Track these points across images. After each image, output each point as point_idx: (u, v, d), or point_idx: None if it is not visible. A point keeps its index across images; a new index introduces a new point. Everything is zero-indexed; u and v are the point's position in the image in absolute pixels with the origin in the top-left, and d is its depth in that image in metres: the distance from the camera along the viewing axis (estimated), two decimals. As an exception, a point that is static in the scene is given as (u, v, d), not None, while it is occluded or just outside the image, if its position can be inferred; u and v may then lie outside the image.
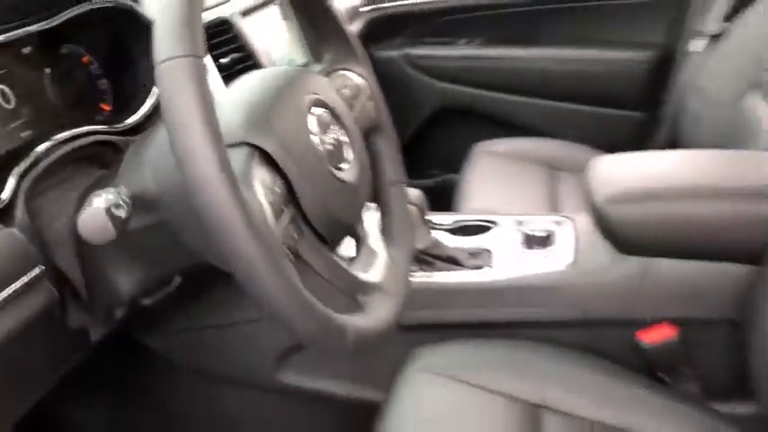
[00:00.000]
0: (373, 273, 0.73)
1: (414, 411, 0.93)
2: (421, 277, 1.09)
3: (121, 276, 0.72)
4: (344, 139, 0.70)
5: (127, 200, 0.64)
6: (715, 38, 1.60)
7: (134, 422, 1.24)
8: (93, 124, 0.78)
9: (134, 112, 0.83)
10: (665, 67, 1.78)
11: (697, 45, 1.65)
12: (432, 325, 1.08)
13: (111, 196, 0.63)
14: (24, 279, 0.63)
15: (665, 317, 1.03)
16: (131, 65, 0.85)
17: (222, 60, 1.12)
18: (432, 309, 1.09)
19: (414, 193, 1.03)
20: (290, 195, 0.62)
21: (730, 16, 1.58)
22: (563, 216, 1.19)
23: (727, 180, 1.03)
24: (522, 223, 1.17)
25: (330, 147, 0.67)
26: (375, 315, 0.68)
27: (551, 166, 1.65)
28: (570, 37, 1.88)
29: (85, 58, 0.84)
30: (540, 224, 1.15)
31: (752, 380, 0.95)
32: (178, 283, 0.85)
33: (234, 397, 1.20)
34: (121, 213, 0.63)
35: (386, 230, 0.82)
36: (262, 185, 0.58)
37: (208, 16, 1.04)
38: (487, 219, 1.22)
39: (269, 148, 0.60)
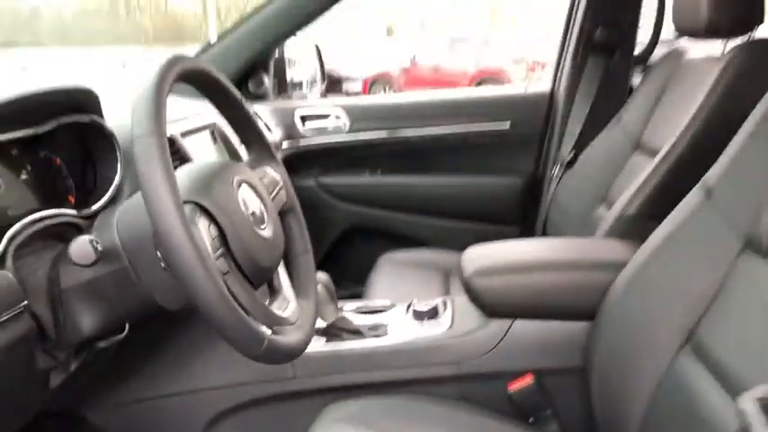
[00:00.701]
0: (287, 312, 0.95)
1: None
2: (331, 346, 1.30)
3: (85, 317, 0.90)
4: (264, 210, 0.95)
5: (98, 245, 0.85)
6: (569, 164, 1.97)
7: None
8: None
9: (95, 202, 1.05)
10: (534, 188, 2.14)
11: (556, 170, 2.02)
12: (341, 387, 1.27)
13: (90, 236, 0.85)
14: (13, 311, 0.82)
15: (527, 368, 1.27)
16: (94, 166, 1.09)
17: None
18: (340, 373, 1.29)
19: (322, 277, 1.27)
20: (223, 240, 0.84)
21: (578, 146, 1.97)
22: (447, 298, 1.44)
23: (568, 256, 1.33)
24: (413, 303, 1.41)
25: (253, 212, 0.91)
26: (287, 337, 0.89)
27: (444, 273, 1.92)
28: (456, 166, 2.21)
29: (57, 160, 1.06)
30: (427, 303, 1.39)
31: (596, 417, 1.19)
32: (126, 331, 1.03)
33: None
34: (97, 247, 0.84)
35: (296, 287, 1.04)
36: (203, 229, 0.81)
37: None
38: (385, 304, 1.46)
39: (208, 205, 0.84)
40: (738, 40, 1.44)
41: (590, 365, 1.20)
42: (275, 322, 0.90)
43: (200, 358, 1.29)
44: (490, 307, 1.28)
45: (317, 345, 1.31)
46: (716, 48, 1.54)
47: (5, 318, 0.80)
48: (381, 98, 4.77)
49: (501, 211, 2.14)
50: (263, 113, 2.04)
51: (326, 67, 2.40)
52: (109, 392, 1.28)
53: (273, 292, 0.99)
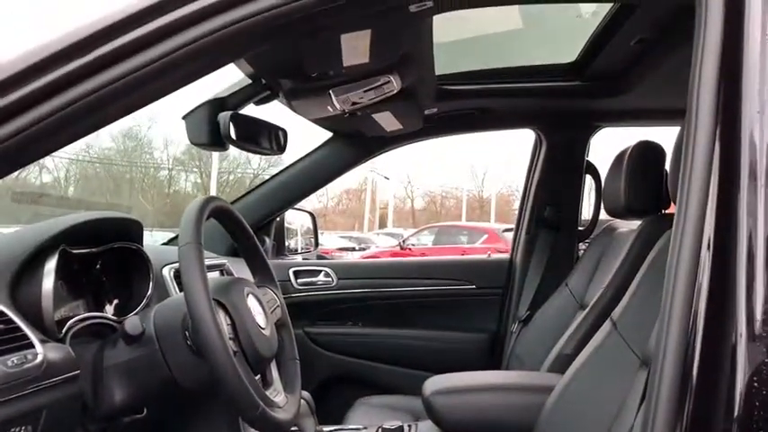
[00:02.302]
0: (277, 399, 1.19)
1: None
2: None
3: (118, 392, 1.14)
4: (264, 316, 1.23)
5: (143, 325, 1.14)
6: (525, 321, 2.26)
7: None
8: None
9: (131, 311, 1.33)
10: (496, 342, 2.41)
11: (515, 327, 2.30)
12: None
13: (137, 320, 1.13)
14: (70, 374, 1.06)
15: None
16: (132, 282, 1.38)
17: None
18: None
19: (305, 394, 1.52)
20: (234, 330, 1.12)
21: (533, 306, 2.28)
22: (412, 423, 1.66)
23: (511, 381, 1.59)
24: (383, 425, 1.63)
25: (256, 315, 1.20)
26: (276, 414, 1.13)
27: (414, 416, 2.12)
28: (429, 321, 2.48)
29: (104, 278, 1.36)
30: (393, 424, 1.61)
31: None
32: (144, 413, 1.25)
33: None
34: (143, 325, 1.12)
35: (284, 384, 1.29)
36: (221, 319, 1.09)
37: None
38: (359, 426, 1.68)
39: (225, 303, 1.13)
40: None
41: None
42: (267, 402, 1.15)
43: None
44: (447, 423, 1.51)
45: (297, 454, 1.52)
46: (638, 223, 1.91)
47: (64, 377, 1.05)
48: (365, 261, 5.15)
49: (468, 363, 2.35)
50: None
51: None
52: None
53: (266, 383, 1.24)
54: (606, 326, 1.38)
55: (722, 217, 0.71)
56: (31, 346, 1.00)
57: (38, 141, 0.87)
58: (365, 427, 1.66)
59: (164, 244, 2.23)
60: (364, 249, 15.90)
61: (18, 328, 1.00)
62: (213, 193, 23.94)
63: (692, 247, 0.72)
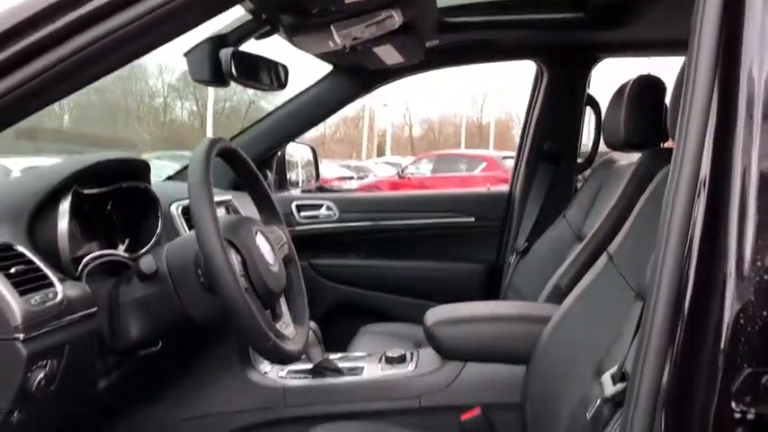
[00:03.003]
0: (286, 331, 1.25)
1: None
2: (316, 381, 1.58)
3: (134, 327, 1.20)
4: (272, 253, 1.27)
5: (157, 263, 1.18)
6: (523, 252, 2.31)
7: None
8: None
9: (141, 248, 1.37)
10: (494, 274, 2.47)
11: (513, 258, 2.36)
12: (324, 415, 1.54)
13: (151, 258, 1.18)
14: (88, 311, 1.11)
15: (476, 402, 1.55)
16: (141, 221, 1.42)
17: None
18: (324, 404, 1.56)
19: (312, 324, 1.57)
20: (244, 267, 1.16)
21: (531, 238, 2.32)
22: (414, 350, 1.74)
23: (509, 312, 1.65)
24: (385, 352, 1.70)
25: (265, 252, 1.24)
26: (286, 345, 1.18)
27: (415, 343, 2.20)
28: (429, 253, 2.54)
29: (115, 218, 1.39)
30: (397, 351, 1.68)
31: None
32: (160, 345, 1.31)
33: None
34: (155, 267, 1.16)
35: (293, 317, 1.35)
36: (232, 256, 1.13)
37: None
38: (362, 354, 1.75)
39: (236, 241, 1.16)
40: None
41: (525, 401, 1.48)
42: (278, 334, 1.20)
43: (209, 388, 1.57)
44: (447, 351, 1.58)
45: (306, 380, 1.60)
46: (637, 156, 1.93)
47: (83, 314, 1.10)
48: (367, 194, 5.21)
49: (467, 293, 2.42)
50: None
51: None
52: (132, 412, 1.54)
53: (276, 316, 1.29)
54: (602, 259, 1.42)
55: (718, 155, 0.73)
56: (51, 285, 1.04)
57: (34, 95, 0.88)
58: (369, 354, 1.73)
59: (168, 178, 2.25)
60: (363, 178, 15.92)
61: (38, 269, 1.04)
62: (210, 120, 23.74)
63: (689, 185, 0.73)
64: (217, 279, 1.05)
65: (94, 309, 1.14)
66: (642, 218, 1.38)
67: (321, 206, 2.55)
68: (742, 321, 0.69)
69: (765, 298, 0.67)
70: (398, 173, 14.54)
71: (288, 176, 2.63)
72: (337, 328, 2.46)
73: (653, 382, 0.74)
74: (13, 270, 0.99)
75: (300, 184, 2.73)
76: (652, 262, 0.77)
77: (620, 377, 0.95)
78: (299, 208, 2.53)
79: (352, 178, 15.91)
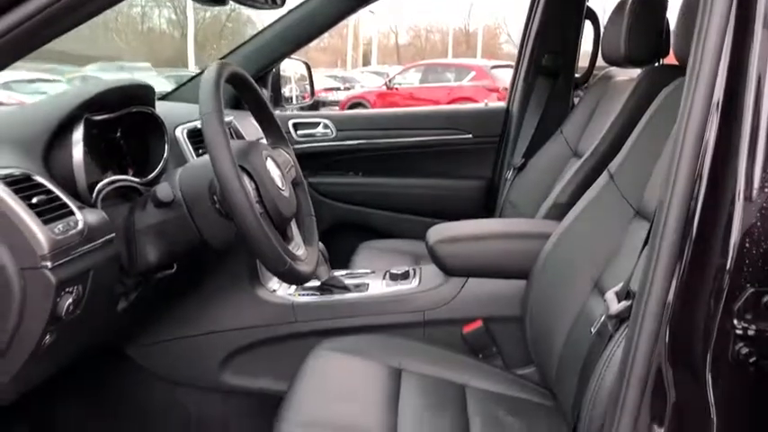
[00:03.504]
0: (298, 252, 1.29)
1: (316, 370, 1.40)
2: (324, 298, 1.64)
3: (151, 252, 1.23)
4: (282, 177, 1.29)
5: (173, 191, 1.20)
6: (520, 168, 2.34)
7: (106, 414, 1.63)
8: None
9: (149, 173, 1.38)
10: (491, 189, 2.51)
11: (509, 174, 2.39)
12: (334, 329, 1.60)
13: (168, 186, 1.20)
14: (107, 238, 1.14)
15: (478, 316, 1.62)
16: (148, 146, 1.42)
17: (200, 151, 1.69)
18: (332, 318, 1.62)
19: (319, 243, 1.61)
20: (257, 193, 1.19)
21: (528, 154, 2.35)
22: (417, 266, 1.79)
23: (510, 229, 1.69)
24: (389, 270, 1.75)
25: (275, 177, 1.26)
26: (300, 267, 1.23)
27: (414, 258, 2.26)
28: (427, 170, 2.57)
29: (122, 143, 1.40)
30: (400, 268, 1.74)
31: (530, 353, 1.53)
32: (175, 268, 1.35)
33: (187, 396, 1.64)
34: (172, 195, 1.19)
35: (304, 238, 1.39)
36: (246, 183, 1.15)
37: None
38: (367, 271, 1.81)
39: (248, 168, 1.18)
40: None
41: (525, 313, 1.55)
42: (291, 257, 1.24)
43: (221, 305, 1.62)
44: (450, 268, 1.63)
45: (314, 297, 1.65)
46: (636, 72, 1.93)
47: (103, 241, 1.13)
48: (363, 111, 5.17)
49: (463, 209, 2.48)
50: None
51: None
52: (146, 331, 1.60)
53: (287, 239, 1.33)
54: (603, 177, 1.45)
55: (732, 79, 0.73)
56: (72, 213, 1.07)
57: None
58: (373, 271, 1.78)
59: (162, 98, 2.23)
60: (349, 89, 15.69)
61: (58, 198, 1.06)
62: (191, 29, 23.00)
63: (702, 106, 0.75)
64: (234, 207, 1.08)
65: (113, 235, 1.16)
66: (644, 137, 1.40)
67: (318, 124, 2.54)
68: (747, 244, 0.72)
69: None
70: (386, 83, 14.33)
71: (283, 93, 2.60)
72: (337, 246, 2.51)
73: (659, 299, 0.79)
74: (34, 200, 1.01)
75: (294, 101, 2.72)
76: (664, 179, 0.79)
77: (626, 295, 1.00)
78: (296, 126, 2.53)
79: (338, 89, 15.68)
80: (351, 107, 13.14)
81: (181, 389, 1.64)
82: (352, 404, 1.28)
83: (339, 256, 2.26)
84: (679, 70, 1.43)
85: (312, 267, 1.29)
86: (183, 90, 2.07)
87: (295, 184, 1.42)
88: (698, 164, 0.75)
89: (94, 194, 1.20)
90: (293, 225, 1.35)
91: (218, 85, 1.13)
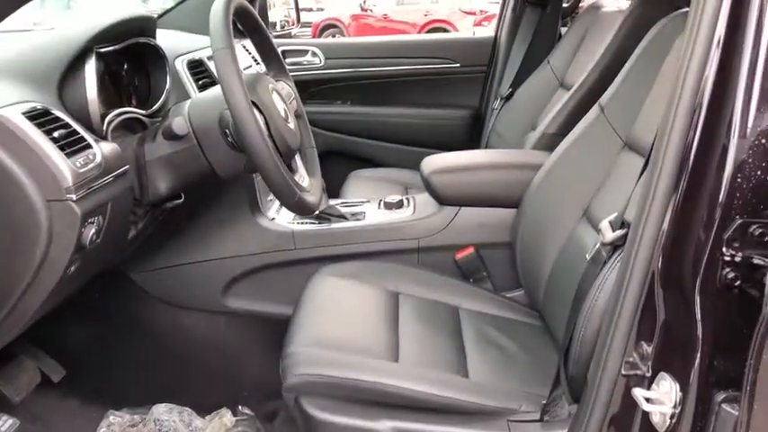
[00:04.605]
0: (304, 184, 1.34)
1: (318, 294, 1.47)
2: (323, 226, 1.70)
3: (161, 182, 1.26)
4: (287, 110, 1.32)
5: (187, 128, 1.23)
6: (507, 98, 2.38)
7: (115, 338, 1.70)
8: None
9: (152, 105, 1.40)
10: (478, 119, 2.55)
11: (496, 104, 2.43)
12: (332, 256, 1.67)
13: (182, 120, 1.22)
14: (122, 170, 1.17)
15: (469, 242, 1.69)
16: (151, 78, 1.43)
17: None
18: (330, 245, 1.69)
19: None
20: (267, 126, 1.22)
21: (515, 84, 2.38)
22: (410, 195, 1.85)
23: (502, 160, 1.75)
24: (384, 198, 1.81)
25: (281, 110, 1.29)
26: (307, 198, 1.27)
27: (403, 186, 2.31)
28: (415, 99, 2.59)
29: (124, 74, 1.41)
30: (394, 197, 1.80)
31: (519, 276, 1.62)
32: (183, 198, 1.39)
33: (192, 319, 1.71)
34: (186, 129, 1.22)
35: (307, 169, 1.43)
36: (260, 120, 1.18)
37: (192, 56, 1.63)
38: (362, 200, 1.86)
39: (257, 102, 1.21)
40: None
41: (515, 240, 1.62)
42: (298, 187, 1.29)
43: (222, 233, 1.67)
44: (443, 197, 1.70)
45: (313, 225, 1.71)
46: (625, 2, 1.95)
47: (118, 173, 1.16)
48: (352, 39, 5.10)
49: (451, 138, 2.53)
50: (251, 49, 2.37)
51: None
52: (151, 257, 1.65)
53: (292, 170, 1.37)
54: (594, 110, 1.50)
55: (734, 17, 0.76)
56: (89, 146, 1.09)
57: None
58: (368, 200, 1.84)
59: (163, 15, 2.17)
60: (322, 10, 15.23)
61: (76, 131, 1.08)
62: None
63: (704, 43, 0.77)
64: (248, 142, 1.11)
65: (127, 167, 1.20)
66: (636, 70, 1.44)
67: (306, 52, 2.54)
68: (739, 178, 0.78)
69: (761, 158, 0.75)
70: (360, 5, 13.96)
71: (269, 19, 2.57)
72: (327, 175, 2.55)
73: (655, 228, 0.85)
74: (56, 134, 1.03)
75: (279, 27, 2.69)
76: (663, 115, 0.82)
77: (620, 225, 1.07)
78: (285, 54, 2.51)
79: (311, 10, 15.22)
80: (324, 28, 12.84)
81: (185, 312, 1.71)
82: (356, 325, 1.36)
83: (329, 184, 2.29)
84: (670, 3, 1.46)
85: (317, 198, 1.34)
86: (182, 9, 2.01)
87: (297, 116, 1.45)
88: (697, 99, 0.79)
89: (105, 126, 1.22)
90: (297, 158, 1.39)
91: (228, 19, 1.14)
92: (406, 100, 2.59)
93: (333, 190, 2.25)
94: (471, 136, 2.54)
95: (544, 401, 1.16)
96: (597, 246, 1.12)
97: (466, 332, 1.42)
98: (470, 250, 1.68)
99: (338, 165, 2.47)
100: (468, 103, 2.58)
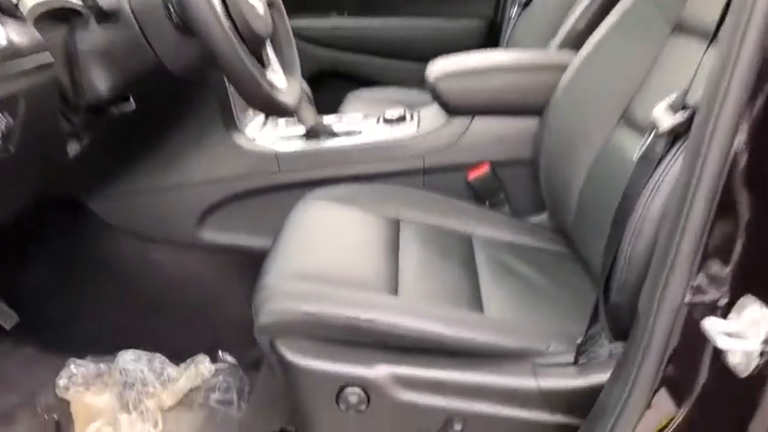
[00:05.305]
0: (276, 79, 1.09)
1: (303, 221, 1.24)
2: (310, 144, 1.45)
3: (99, 79, 1.02)
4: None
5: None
6: (525, 4, 2.09)
7: (77, 277, 1.48)
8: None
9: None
10: (492, 30, 2.27)
11: (513, 11, 2.14)
12: (322, 180, 1.42)
13: None
14: (40, 61, 0.92)
15: (485, 159, 1.45)
16: None
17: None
18: (319, 167, 1.45)
19: (304, 85, 1.40)
20: (224, 6, 0.96)
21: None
22: (414, 109, 1.59)
23: (521, 61, 1.48)
24: (383, 113, 1.55)
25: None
26: (280, 96, 1.03)
27: (407, 106, 2.05)
28: (420, 8, 2.31)
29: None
30: (396, 111, 1.54)
31: (543, 197, 1.38)
32: (134, 106, 1.15)
33: (163, 254, 1.49)
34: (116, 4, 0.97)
35: (283, 66, 1.18)
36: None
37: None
38: (358, 116, 1.61)
39: None
40: None
41: (538, 155, 1.38)
42: (268, 83, 1.04)
43: (194, 153, 1.43)
44: (453, 106, 1.44)
45: (299, 143, 1.47)
46: None
47: (37, 64, 0.91)
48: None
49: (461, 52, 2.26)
50: None
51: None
52: (110, 182, 1.42)
53: (264, 64, 1.12)
54: None
55: None
56: None
57: None
58: (365, 116, 1.59)
59: None
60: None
61: None
62: None
63: None
64: (194, 16, 0.88)
65: (49, 58, 0.95)
66: None
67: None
68: None
69: None
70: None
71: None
72: (322, 96, 2.30)
73: (733, 111, 0.64)
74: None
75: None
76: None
77: (681, 108, 0.82)
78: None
79: None
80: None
81: (154, 247, 1.49)
82: (345, 255, 1.13)
83: (323, 109, 2.07)
84: None
85: (294, 100, 1.10)
86: None
87: (270, 3, 1.19)
88: None
89: (26, 12, 0.97)
90: (270, 50, 1.14)
91: None
92: (409, 9, 2.31)
93: (330, 113, 2.02)
94: (485, 49, 2.26)
95: (579, 340, 0.93)
96: (650, 139, 0.87)
97: (480, 262, 1.20)
98: (485, 169, 1.44)
99: (334, 86, 2.22)
100: (482, 11, 2.29)
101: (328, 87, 2.25)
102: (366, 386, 0.93)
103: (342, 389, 0.93)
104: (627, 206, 0.89)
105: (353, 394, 0.93)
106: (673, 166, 0.82)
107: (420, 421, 0.94)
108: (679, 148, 0.82)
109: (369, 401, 0.93)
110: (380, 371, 0.93)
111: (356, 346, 0.95)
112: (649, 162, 0.86)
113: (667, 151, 0.84)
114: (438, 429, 0.94)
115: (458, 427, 0.93)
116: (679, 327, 0.72)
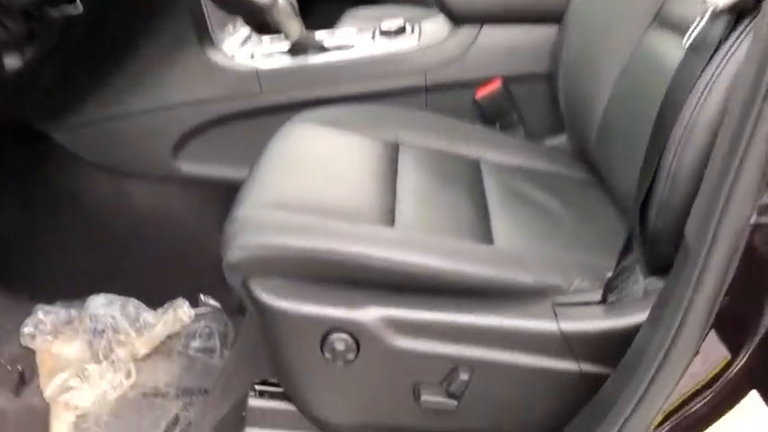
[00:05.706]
0: None
1: (287, 145, 1.08)
2: (296, 61, 1.29)
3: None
4: None
5: None
6: None
7: (42, 216, 1.34)
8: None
9: None
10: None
11: None
12: (310, 101, 1.26)
13: None
14: None
15: (494, 75, 1.28)
16: None
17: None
18: (307, 87, 1.28)
19: None
20: None
21: None
22: (415, 21, 1.41)
23: None
24: (380, 25, 1.37)
25: None
26: None
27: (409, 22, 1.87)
28: None
29: None
30: (394, 22, 1.36)
31: (562, 116, 1.21)
32: (80, 9, 0.98)
33: (136, 188, 1.35)
34: None
35: None
36: None
37: None
38: (351, 29, 1.43)
39: None
40: None
41: (556, 69, 1.21)
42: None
43: (165, 73, 1.27)
44: (459, 12, 1.27)
45: (283, 60, 1.30)
46: None
47: None
48: None
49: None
50: None
51: None
52: (75, 109, 1.26)
53: None
54: None
55: None
56: None
57: None
58: (360, 29, 1.41)
59: None
60: None
61: None
62: None
63: None
64: None
65: None
66: None
67: None
68: None
69: None
70: None
71: None
72: (313, 21, 2.12)
73: None
74: None
75: None
76: None
77: None
78: None
79: None
80: None
81: (126, 180, 1.35)
82: (334, 183, 0.98)
83: (318, 25, 1.90)
84: None
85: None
86: None
87: None
88: None
89: None
90: None
91: None
92: None
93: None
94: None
95: (608, 275, 0.78)
96: (703, 23, 0.70)
97: (490, 189, 1.04)
98: (496, 85, 1.27)
99: (327, 5, 2.02)
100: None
101: (321, 8, 2.06)
102: (354, 331, 0.78)
103: (327, 335, 0.79)
104: (670, 111, 0.73)
105: (340, 341, 0.79)
106: (736, 53, 0.66)
107: (418, 371, 0.80)
108: (744, 28, 0.66)
109: (358, 349, 0.79)
110: (371, 313, 0.78)
111: (343, 286, 0.81)
112: (703, 51, 0.70)
113: (728, 35, 0.67)
114: (440, 381, 0.80)
115: (464, 377, 0.79)
116: (740, 255, 0.57)
